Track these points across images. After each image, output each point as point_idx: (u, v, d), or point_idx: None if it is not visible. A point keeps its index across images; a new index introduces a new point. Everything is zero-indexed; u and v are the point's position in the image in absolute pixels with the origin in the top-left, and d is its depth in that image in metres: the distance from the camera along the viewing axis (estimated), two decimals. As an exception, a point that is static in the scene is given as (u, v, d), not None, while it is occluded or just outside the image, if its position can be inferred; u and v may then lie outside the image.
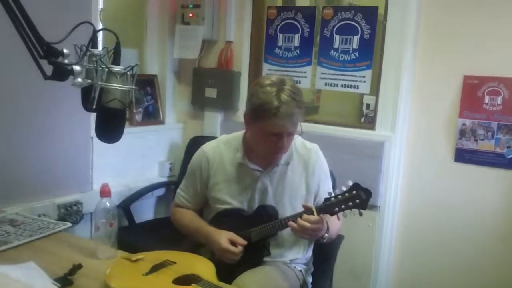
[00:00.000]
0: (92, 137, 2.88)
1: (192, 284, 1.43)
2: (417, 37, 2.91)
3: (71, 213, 2.78)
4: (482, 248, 2.86)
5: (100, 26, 2.89)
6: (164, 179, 3.59)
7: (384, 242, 3.04)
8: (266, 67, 3.42)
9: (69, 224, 2.07)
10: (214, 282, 1.46)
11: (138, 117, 3.48)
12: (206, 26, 3.45)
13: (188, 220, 2.13)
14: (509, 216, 2.78)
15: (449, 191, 2.92)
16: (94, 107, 1.37)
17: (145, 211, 3.51)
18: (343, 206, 1.84)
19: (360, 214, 1.86)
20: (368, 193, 1.84)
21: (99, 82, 1.36)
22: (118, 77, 1.39)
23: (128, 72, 1.41)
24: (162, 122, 3.66)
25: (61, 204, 2.74)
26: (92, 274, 1.56)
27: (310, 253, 2.19)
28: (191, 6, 3.47)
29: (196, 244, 2.07)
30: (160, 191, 3.57)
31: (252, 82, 3.34)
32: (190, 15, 3.47)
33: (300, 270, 2.12)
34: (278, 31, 3.35)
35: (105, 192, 1.74)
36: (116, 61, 1.43)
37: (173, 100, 3.74)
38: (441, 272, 3.00)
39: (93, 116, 1.87)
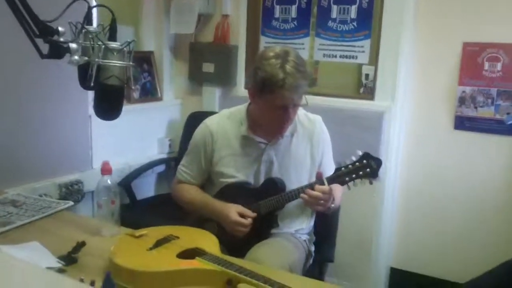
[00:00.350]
0: (90, 116, 2.86)
1: (196, 258, 1.44)
2: (417, 5, 2.87)
3: (72, 192, 2.79)
4: (482, 215, 2.88)
5: (95, 3, 2.86)
6: (164, 156, 3.60)
7: (385, 211, 3.06)
8: (263, 40, 3.39)
9: (71, 203, 2.05)
10: (218, 255, 1.47)
11: (136, 95, 3.46)
12: (201, 0, 3.40)
13: (193, 196, 2.12)
14: (509, 182, 2.79)
15: (449, 158, 2.93)
16: (91, 84, 1.35)
17: (146, 188, 3.52)
18: (353, 176, 1.86)
19: (371, 183, 1.87)
20: (378, 162, 1.86)
21: (96, 59, 1.34)
22: (115, 53, 1.37)
23: (125, 49, 1.39)
24: (160, 99, 3.64)
25: (62, 183, 2.74)
26: (96, 252, 1.56)
27: (312, 223, 2.20)
28: (185, -21, 3.42)
29: (200, 220, 2.07)
30: (160, 168, 3.57)
31: (250, 55, 3.34)
32: (185, -12, 3.43)
33: (305, 240, 2.14)
34: (274, 3, 3.31)
35: (106, 169, 1.73)
36: (113, 38, 1.41)
37: (171, 76, 3.72)
38: (442, 240, 3.03)
39: (91, 94, 1.86)
